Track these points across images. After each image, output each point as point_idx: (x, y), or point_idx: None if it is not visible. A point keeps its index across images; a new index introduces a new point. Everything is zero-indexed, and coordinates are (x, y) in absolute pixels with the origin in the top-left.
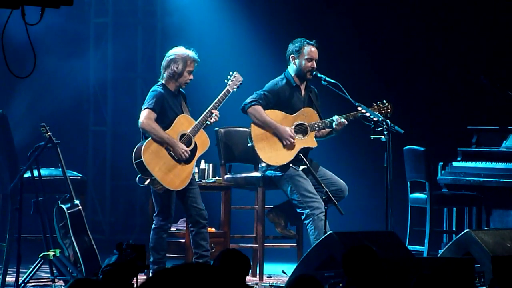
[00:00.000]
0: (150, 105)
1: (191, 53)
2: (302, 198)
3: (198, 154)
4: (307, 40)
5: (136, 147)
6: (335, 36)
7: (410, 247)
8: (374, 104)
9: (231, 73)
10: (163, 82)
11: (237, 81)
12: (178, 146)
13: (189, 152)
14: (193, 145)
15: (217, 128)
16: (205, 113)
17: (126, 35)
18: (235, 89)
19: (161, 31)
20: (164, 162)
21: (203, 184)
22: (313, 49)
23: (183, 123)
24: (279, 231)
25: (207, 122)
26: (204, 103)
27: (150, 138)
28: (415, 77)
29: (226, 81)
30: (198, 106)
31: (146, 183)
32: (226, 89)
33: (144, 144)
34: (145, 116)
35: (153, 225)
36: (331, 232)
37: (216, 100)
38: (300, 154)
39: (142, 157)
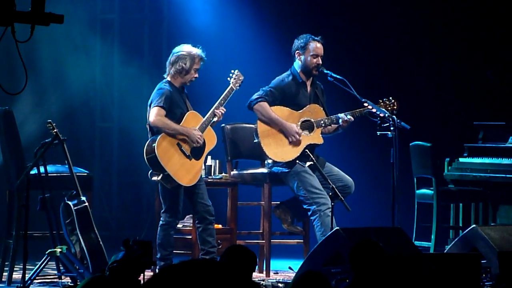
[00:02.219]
0: (160, 103)
1: (198, 51)
2: (309, 194)
3: (206, 151)
4: (313, 36)
5: (147, 143)
6: (340, 32)
7: (417, 243)
8: (380, 100)
9: (232, 71)
10: (169, 79)
11: (239, 80)
12: (193, 133)
13: (204, 139)
14: None
15: (223, 125)
16: (211, 110)
17: (132, 32)
18: (237, 87)
19: (168, 28)
20: (176, 157)
21: (209, 180)
22: (319, 45)
23: (192, 119)
24: (285, 227)
25: (213, 120)
26: (207, 99)
27: (162, 134)
28: (421, 73)
29: (228, 79)
30: (202, 102)
31: (158, 178)
32: (229, 87)
33: (157, 139)
34: (155, 113)
35: (161, 222)
36: (337, 228)
37: (220, 98)
38: (306, 150)
39: (156, 152)
